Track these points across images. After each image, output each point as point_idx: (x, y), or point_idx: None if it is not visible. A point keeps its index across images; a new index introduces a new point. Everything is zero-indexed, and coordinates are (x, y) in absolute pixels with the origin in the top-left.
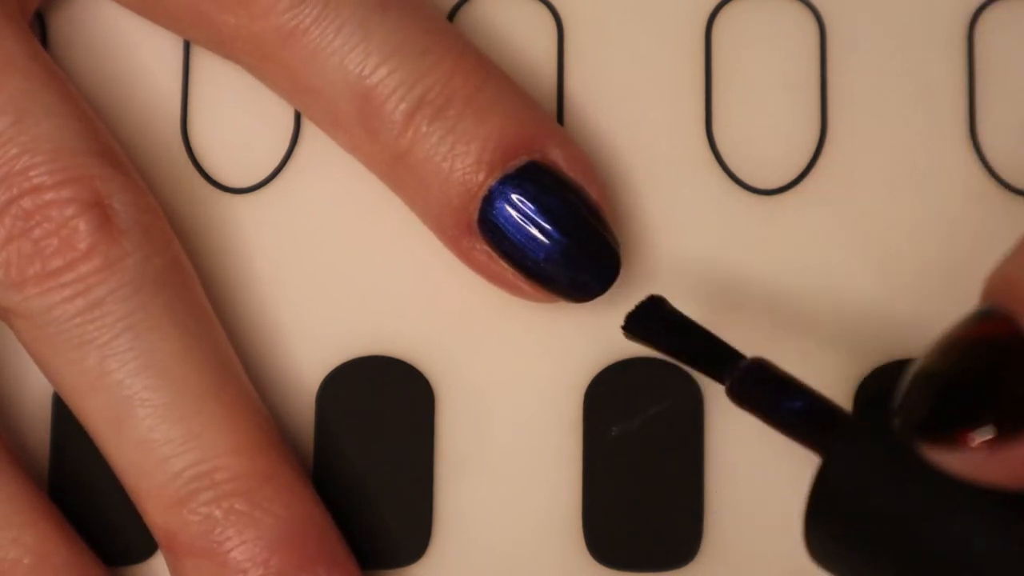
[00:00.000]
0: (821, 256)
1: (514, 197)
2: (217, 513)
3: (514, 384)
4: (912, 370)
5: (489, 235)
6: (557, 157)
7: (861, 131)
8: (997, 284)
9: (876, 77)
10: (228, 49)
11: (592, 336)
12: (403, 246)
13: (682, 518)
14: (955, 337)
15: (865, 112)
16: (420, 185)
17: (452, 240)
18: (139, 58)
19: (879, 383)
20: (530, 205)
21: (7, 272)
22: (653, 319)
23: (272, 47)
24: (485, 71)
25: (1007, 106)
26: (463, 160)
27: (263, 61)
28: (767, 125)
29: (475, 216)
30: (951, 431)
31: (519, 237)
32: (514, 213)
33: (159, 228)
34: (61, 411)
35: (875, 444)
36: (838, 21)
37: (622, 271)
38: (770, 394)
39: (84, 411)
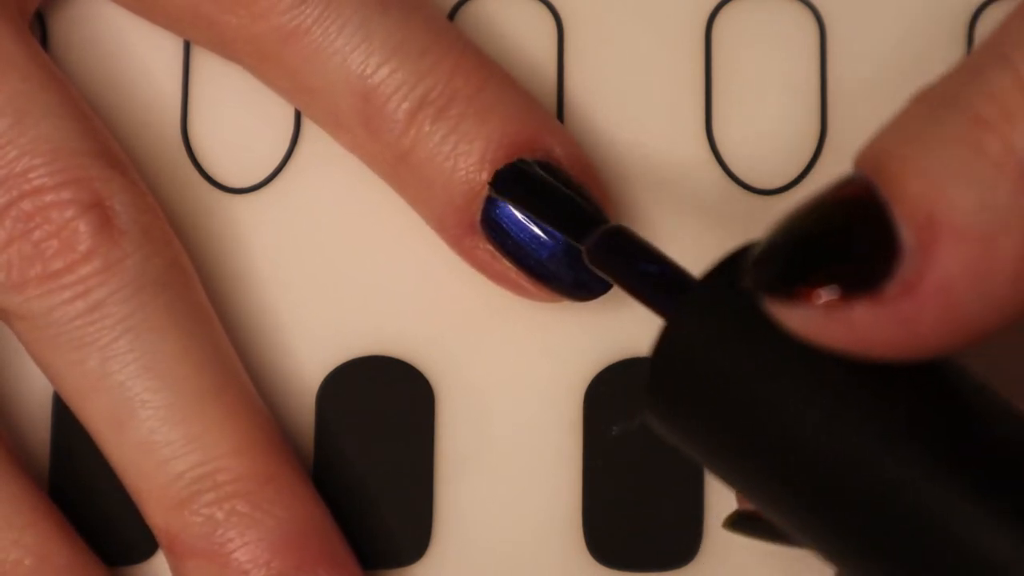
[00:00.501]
0: None
1: None
2: (219, 514)
3: (514, 384)
4: (768, 229)
5: (492, 234)
6: (559, 156)
7: (861, 131)
8: (863, 154)
9: (876, 77)
10: (229, 50)
11: (592, 336)
12: (403, 246)
13: (682, 518)
14: (813, 200)
15: (865, 112)
16: (423, 184)
17: (455, 239)
18: (139, 58)
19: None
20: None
21: (8, 274)
22: (521, 180)
23: (273, 47)
24: (486, 71)
25: None
26: (466, 159)
27: (264, 61)
28: (767, 125)
29: (478, 215)
30: (794, 287)
31: (522, 236)
32: (517, 212)
33: (159, 228)
34: (61, 411)
35: (719, 308)
36: (838, 21)
37: None
38: (627, 258)
39: (85, 412)
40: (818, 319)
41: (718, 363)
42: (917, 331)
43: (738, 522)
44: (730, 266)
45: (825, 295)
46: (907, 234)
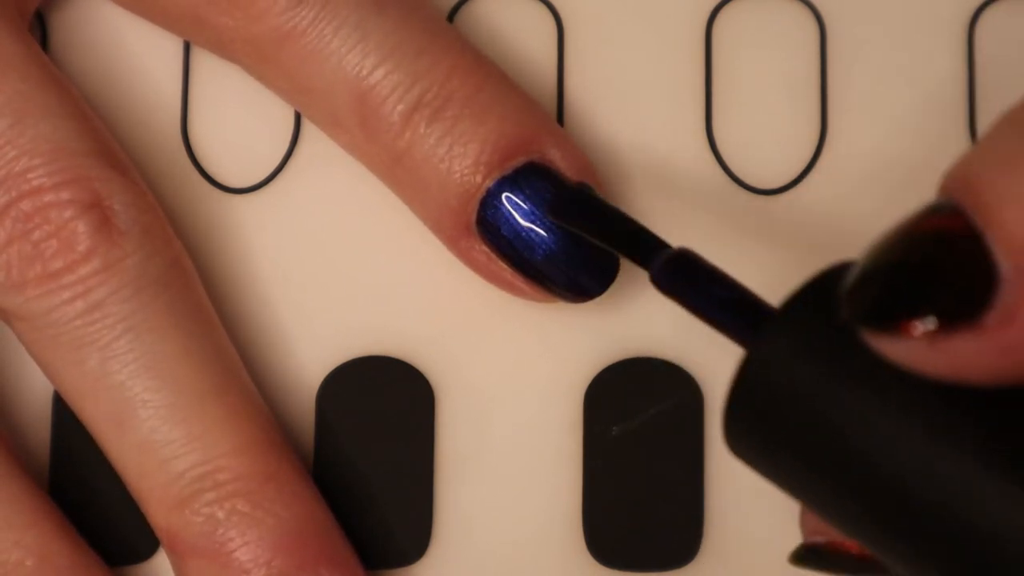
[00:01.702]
0: (821, 256)
1: (513, 197)
2: (219, 514)
3: (514, 384)
4: (861, 259)
5: (488, 235)
6: (555, 157)
7: (861, 131)
8: (951, 180)
9: (876, 77)
10: (227, 51)
11: (592, 336)
12: (403, 246)
13: (682, 518)
14: (905, 229)
15: (865, 112)
16: (419, 186)
17: (451, 240)
18: (139, 58)
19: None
20: (528, 205)
21: (8, 274)
22: (581, 204)
23: (270, 48)
24: (484, 71)
25: (1007, 106)
26: (461, 161)
27: (261, 62)
28: (767, 125)
29: (474, 217)
30: (895, 320)
31: (517, 237)
32: (512, 213)
33: (159, 228)
34: (61, 411)
35: (802, 337)
36: (838, 21)
37: (621, 271)
38: (699, 284)
39: (86, 412)
40: (919, 350)
41: (807, 392)
42: (1018, 358)
43: (805, 556)
44: (809, 294)
45: (924, 327)
46: (1005, 262)
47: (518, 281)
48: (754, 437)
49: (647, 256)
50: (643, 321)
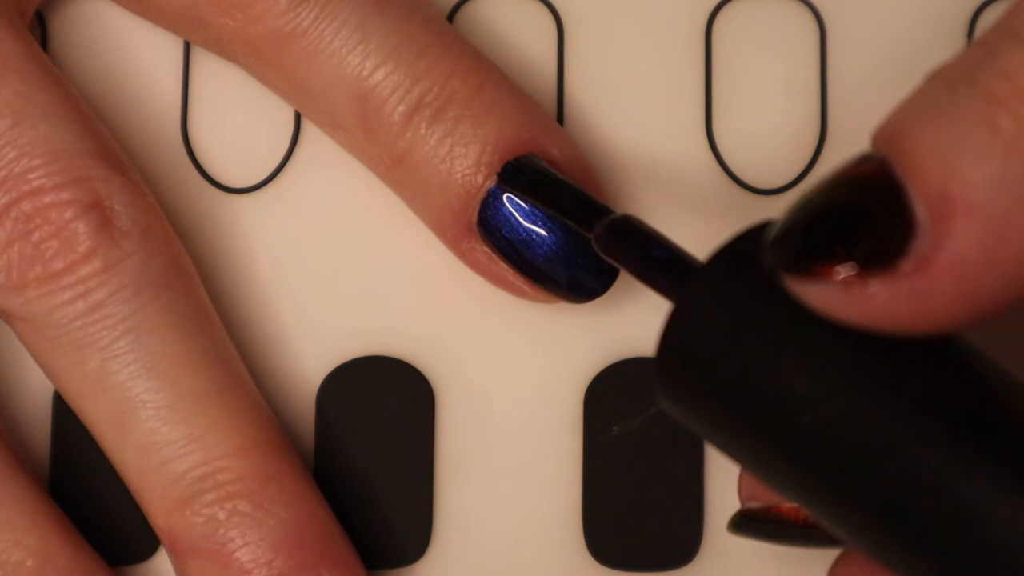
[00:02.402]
0: None
1: (514, 198)
2: (220, 514)
3: (514, 384)
4: (786, 209)
5: (488, 236)
6: (557, 158)
7: (861, 131)
8: (879, 132)
9: (876, 77)
10: (227, 51)
11: (592, 336)
12: (403, 246)
13: (682, 518)
14: (832, 177)
15: (865, 112)
16: (420, 186)
17: (452, 241)
18: (139, 58)
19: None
20: (529, 206)
21: (8, 275)
22: (528, 171)
23: (270, 49)
24: (484, 72)
25: None
26: (462, 162)
27: (262, 63)
28: (767, 125)
29: (474, 218)
30: (814, 265)
31: (518, 238)
32: (514, 214)
33: (159, 228)
34: (62, 411)
35: (727, 288)
36: (838, 21)
37: (621, 272)
38: (635, 244)
39: (86, 413)
40: (835, 295)
41: (729, 341)
42: (931, 306)
43: (741, 523)
44: (735, 249)
45: (842, 272)
46: (921, 211)
47: (519, 282)
48: (683, 390)
49: (592, 221)
50: (643, 321)
